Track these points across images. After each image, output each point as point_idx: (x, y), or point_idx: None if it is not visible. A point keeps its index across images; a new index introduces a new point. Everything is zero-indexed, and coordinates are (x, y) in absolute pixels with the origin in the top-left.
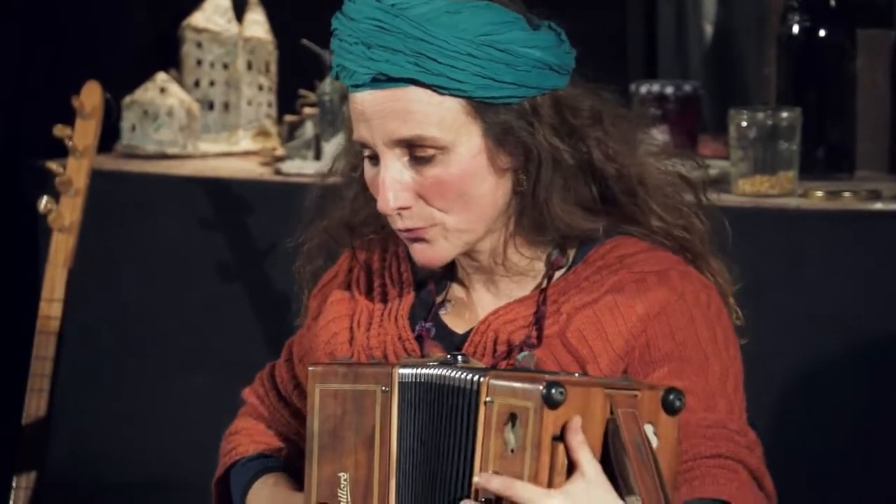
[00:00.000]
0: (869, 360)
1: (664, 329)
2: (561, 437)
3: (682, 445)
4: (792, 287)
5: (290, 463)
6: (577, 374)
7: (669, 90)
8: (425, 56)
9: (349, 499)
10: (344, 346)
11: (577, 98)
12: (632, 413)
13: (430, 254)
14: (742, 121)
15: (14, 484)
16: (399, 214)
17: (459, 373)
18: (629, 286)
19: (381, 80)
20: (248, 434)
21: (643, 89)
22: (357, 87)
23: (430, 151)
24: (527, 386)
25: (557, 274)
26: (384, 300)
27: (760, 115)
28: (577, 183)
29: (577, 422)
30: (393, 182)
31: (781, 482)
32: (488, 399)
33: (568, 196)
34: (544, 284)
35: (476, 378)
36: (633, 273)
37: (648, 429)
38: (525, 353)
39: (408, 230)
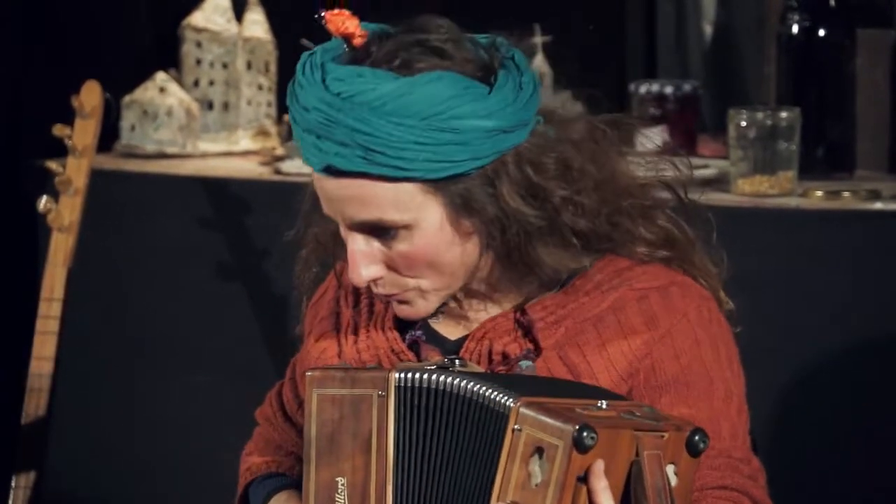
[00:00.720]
0: (869, 359)
1: (669, 352)
2: (585, 478)
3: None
4: (791, 287)
5: (299, 482)
6: (610, 395)
7: (669, 90)
8: (371, 150)
9: (346, 503)
10: (333, 360)
11: (542, 150)
12: (657, 455)
13: (412, 312)
14: (741, 120)
15: (13, 484)
16: (375, 283)
17: (490, 392)
18: (631, 305)
19: (333, 172)
20: (261, 454)
21: (642, 89)
22: (314, 170)
23: (393, 230)
24: (559, 424)
25: (550, 292)
26: (371, 313)
27: (760, 115)
28: (553, 232)
29: (599, 466)
30: (362, 257)
31: (780, 482)
32: (517, 427)
33: (548, 243)
34: (524, 302)
35: (507, 401)
36: (634, 290)
37: (670, 469)
38: (528, 363)
39: (386, 295)
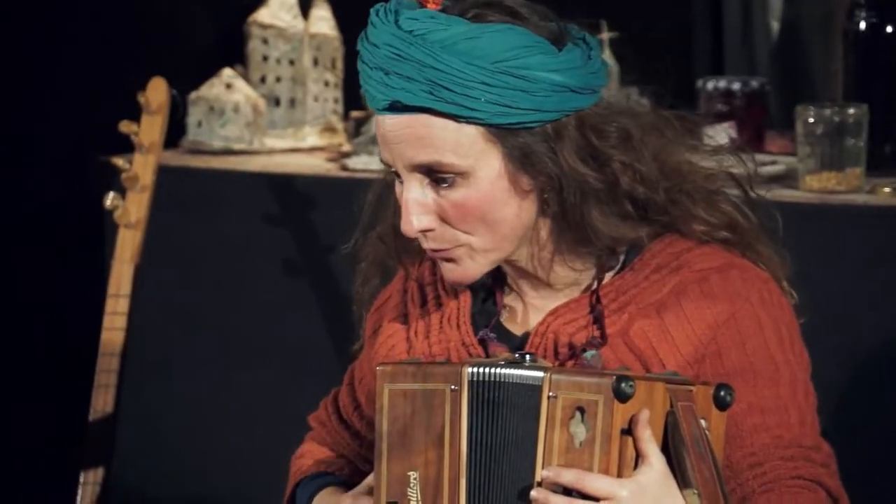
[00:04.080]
0: None
1: (734, 337)
2: (629, 431)
3: (763, 467)
4: (858, 284)
5: (349, 481)
6: (626, 368)
7: (736, 86)
8: (439, 85)
9: (419, 497)
10: (402, 355)
11: (604, 118)
12: (690, 407)
13: (459, 272)
14: (809, 117)
15: (81, 480)
16: (424, 236)
17: (522, 370)
18: (692, 287)
19: (398, 108)
20: (312, 455)
21: (710, 85)
22: (378, 111)
23: (450, 176)
24: (595, 380)
25: (609, 275)
26: (440, 309)
27: (827, 112)
28: (611, 200)
29: (645, 415)
30: (415, 205)
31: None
32: (551, 394)
33: (605, 210)
34: (595, 286)
35: (537, 374)
36: (693, 272)
37: (702, 423)
38: (593, 352)
39: (434, 251)
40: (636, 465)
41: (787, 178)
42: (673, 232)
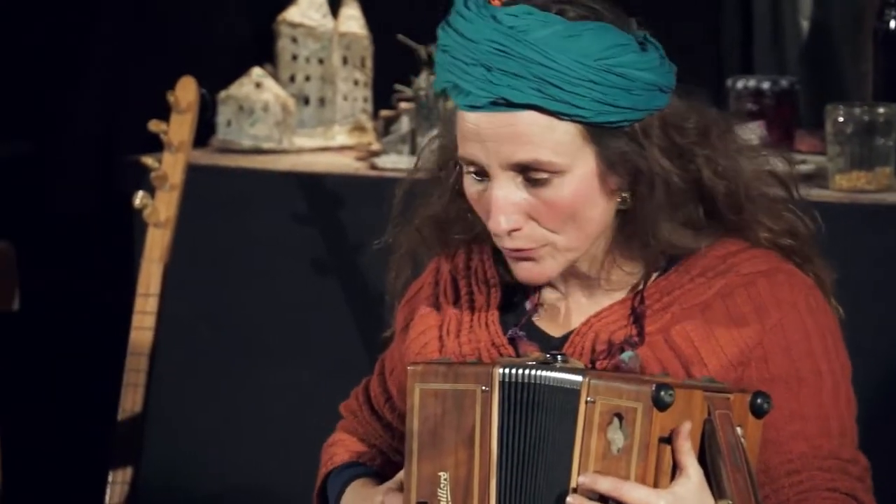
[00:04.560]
0: None
1: (781, 343)
2: (667, 439)
3: (800, 475)
4: (889, 283)
5: (381, 472)
6: (664, 375)
7: (766, 85)
8: (548, 82)
9: (449, 498)
10: (434, 354)
11: (682, 115)
12: (727, 415)
13: (537, 272)
14: (839, 116)
15: (110, 479)
16: (510, 235)
17: (559, 373)
18: (739, 291)
19: (501, 104)
20: (343, 445)
21: (739, 84)
22: (472, 107)
23: (545, 175)
24: (634, 387)
25: (654, 275)
26: (472, 306)
27: (857, 111)
28: (684, 203)
29: (687, 427)
30: (506, 203)
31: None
32: (589, 399)
33: (675, 215)
34: (641, 286)
35: (576, 378)
36: (741, 276)
37: (738, 431)
38: (630, 353)
39: (517, 250)
40: (673, 474)
41: (816, 178)
42: (733, 236)
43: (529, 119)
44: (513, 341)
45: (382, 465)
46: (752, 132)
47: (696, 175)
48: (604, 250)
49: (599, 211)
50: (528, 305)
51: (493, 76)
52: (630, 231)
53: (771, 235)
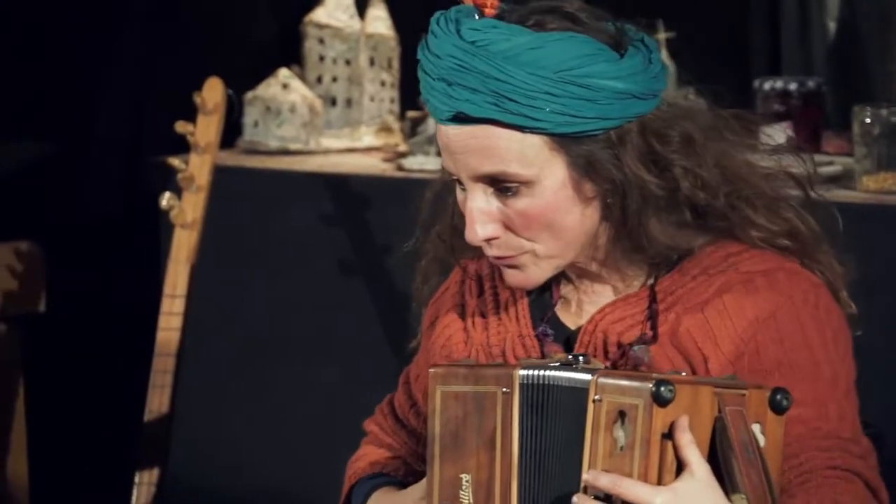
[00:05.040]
0: None
1: (773, 334)
2: (670, 436)
3: (798, 458)
4: None
5: (404, 482)
6: (683, 373)
7: (793, 86)
8: (503, 96)
9: (471, 500)
10: (459, 346)
11: (666, 123)
12: (739, 411)
13: (522, 278)
14: (866, 117)
15: (137, 480)
16: (489, 243)
17: (570, 372)
18: (737, 287)
19: (462, 119)
20: (367, 458)
21: (767, 85)
22: (440, 121)
23: (515, 185)
24: (636, 384)
25: (661, 273)
26: (497, 301)
27: (884, 112)
28: (670, 207)
29: (684, 420)
30: (479, 213)
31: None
32: (596, 397)
33: (662, 218)
34: (650, 282)
35: (585, 377)
36: (740, 274)
37: (756, 428)
38: (640, 345)
39: (498, 258)
40: (680, 471)
41: (843, 179)
42: (729, 238)
43: (491, 132)
44: (540, 338)
45: (406, 474)
46: (779, 133)
47: (673, 185)
48: (605, 250)
49: (576, 218)
50: (552, 298)
51: (453, 91)
52: (622, 234)
53: (766, 236)
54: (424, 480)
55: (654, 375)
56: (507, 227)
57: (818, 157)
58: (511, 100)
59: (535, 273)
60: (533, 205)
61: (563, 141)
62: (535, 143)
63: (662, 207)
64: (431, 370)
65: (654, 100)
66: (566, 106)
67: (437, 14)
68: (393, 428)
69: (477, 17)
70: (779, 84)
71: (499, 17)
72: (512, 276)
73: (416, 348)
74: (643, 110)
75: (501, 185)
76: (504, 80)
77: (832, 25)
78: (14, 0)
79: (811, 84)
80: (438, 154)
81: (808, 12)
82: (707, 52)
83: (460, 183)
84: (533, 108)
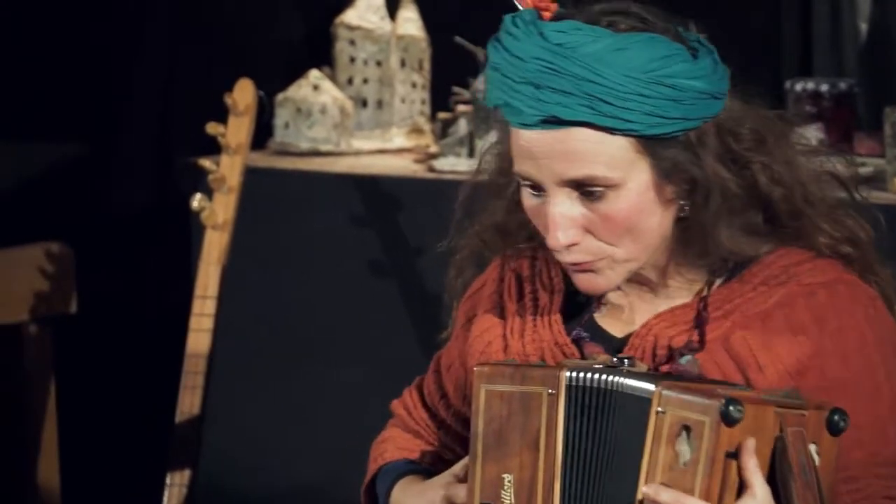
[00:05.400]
0: None
1: (838, 353)
2: (734, 455)
3: (857, 483)
4: None
5: (431, 470)
6: (742, 387)
7: (824, 88)
8: (598, 98)
9: (513, 500)
10: (498, 353)
11: (737, 121)
12: (800, 432)
13: (597, 283)
14: None
15: (168, 481)
16: (568, 249)
17: (630, 379)
18: (799, 301)
19: (552, 122)
20: (394, 442)
21: (798, 87)
22: (524, 125)
23: (600, 189)
24: (704, 400)
25: (717, 283)
26: (536, 307)
27: None
28: (743, 209)
29: (751, 443)
30: (563, 219)
31: None
32: (660, 409)
33: (733, 222)
34: (705, 292)
35: (649, 386)
36: (801, 286)
37: (812, 448)
38: (688, 356)
39: (576, 263)
40: (740, 490)
41: (875, 181)
42: (794, 244)
43: (581, 136)
44: (577, 342)
45: (433, 462)
46: (811, 135)
47: (751, 181)
48: (665, 257)
49: (657, 221)
50: (593, 303)
51: (542, 94)
52: (689, 238)
53: (831, 242)
54: (450, 470)
55: (721, 392)
56: (588, 231)
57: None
58: (605, 102)
59: (610, 277)
60: (618, 208)
61: (649, 143)
62: (622, 145)
63: (738, 209)
64: (477, 368)
65: (724, 99)
66: (656, 107)
67: (509, 15)
68: (421, 415)
69: (547, 15)
70: (810, 85)
71: (566, 17)
72: (585, 281)
73: (448, 338)
74: (717, 110)
75: (586, 189)
76: (598, 82)
77: (864, 27)
78: (44, 1)
79: (843, 85)
80: (469, 155)
81: (839, 13)
82: (739, 53)
83: (534, 188)
84: (626, 109)
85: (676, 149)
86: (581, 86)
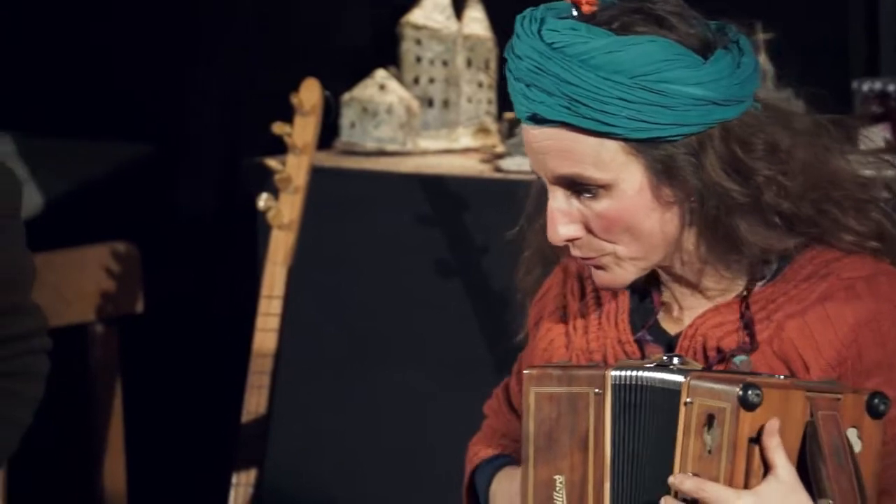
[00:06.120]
0: None
1: (875, 337)
2: (758, 439)
3: (892, 458)
4: None
5: None
6: (782, 377)
7: (892, 88)
8: (575, 100)
9: (565, 501)
10: (561, 350)
11: (752, 129)
12: (832, 416)
13: (609, 279)
14: None
15: (234, 481)
16: (571, 244)
17: (664, 374)
18: (839, 294)
19: (537, 120)
20: (487, 442)
21: (865, 87)
22: (522, 120)
23: (593, 188)
24: (724, 387)
25: (760, 284)
26: (599, 304)
27: None
28: (753, 212)
29: (773, 424)
30: (559, 214)
31: None
32: (688, 400)
33: (751, 220)
34: (745, 293)
35: (678, 378)
36: (841, 280)
37: (852, 433)
38: (742, 357)
39: (582, 258)
40: (767, 474)
41: None
42: (821, 243)
43: (567, 135)
44: (639, 342)
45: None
46: (877, 135)
47: (756, 193)
48: (697, 256)
49: (655, 223)
50: (654, 303)
51: (530, 92)
52: (714, 241)
53: (856, 238)
54: None
55: (746, 378)
56: (588, 228)
57: None
58: (583, 104)
59: (621, 274)
60: (611, 208)
61: (640, 146)
62: (610, 146)
63: (748, 212)
64: (525, 372)
65: (739, 105)
66: (640, 112)
67: (524, 12)
68: (507, 415)
69: (574, 13)
70: (877, 85)
71: (590, 15)
72: (599, 277)
73: (526, 338)
74: (726, 116)
75: (579, 186)
76: (577, 84)
77: None
78: (109, 1)
79: None
80: None
81: None
82: (805, 54)
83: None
84: (605, 112)
85: (674, 152)
86: (561, 87)
